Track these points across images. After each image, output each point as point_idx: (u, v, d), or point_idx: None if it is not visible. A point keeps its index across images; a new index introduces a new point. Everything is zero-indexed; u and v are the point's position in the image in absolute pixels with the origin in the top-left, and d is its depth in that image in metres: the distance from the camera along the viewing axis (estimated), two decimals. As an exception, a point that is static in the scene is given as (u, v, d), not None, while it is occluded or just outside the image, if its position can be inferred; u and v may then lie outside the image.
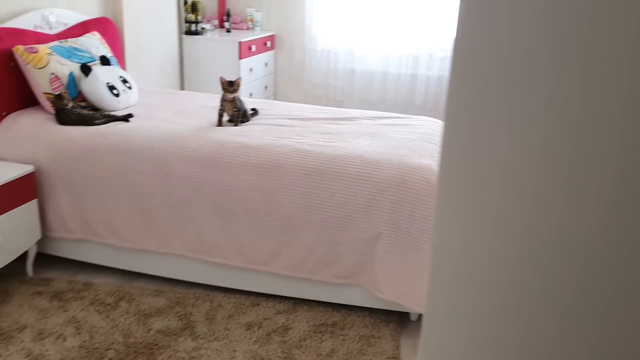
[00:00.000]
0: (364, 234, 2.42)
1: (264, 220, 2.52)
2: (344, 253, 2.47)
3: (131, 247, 2.72)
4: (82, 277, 2.82)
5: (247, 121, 2.98)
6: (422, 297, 2.37)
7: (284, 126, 2.90)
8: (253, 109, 3.14)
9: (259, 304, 2.63)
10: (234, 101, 2.88)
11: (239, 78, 2.93)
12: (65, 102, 2.85)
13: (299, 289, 2.62)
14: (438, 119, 4.06)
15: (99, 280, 2.80)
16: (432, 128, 2.99)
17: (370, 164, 2.45)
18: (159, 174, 2.61)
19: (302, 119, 3.05)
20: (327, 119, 3.10)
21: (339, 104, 4.97)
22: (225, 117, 2.94)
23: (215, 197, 2.55)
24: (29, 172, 2.63)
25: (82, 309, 2.53)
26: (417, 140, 2.74)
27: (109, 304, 2.58)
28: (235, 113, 2.90)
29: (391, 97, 4.84)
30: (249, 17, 5.06)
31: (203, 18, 4.75)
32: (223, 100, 2.89)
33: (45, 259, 2.89)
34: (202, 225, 2.60)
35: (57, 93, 2.87)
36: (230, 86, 2.86)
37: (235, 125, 2.90)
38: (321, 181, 2.45)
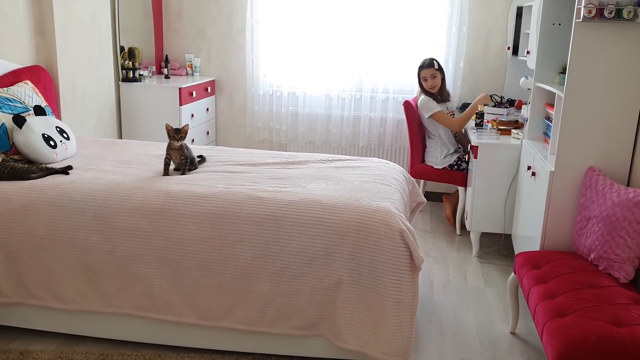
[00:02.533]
0: (324, 281, 2.35)
1: (217, 272, 2.40)
2: (304, 303, 2.38)
3: (73, 308, 2.53)
4: (18, 345, 2.59)
5: (195, 169, 2.88)
6: (386, 344, 2.30)
7: (234, 172, 2.82)
8: (200, 156, 3.04)
9: (215, 362, 2.49)
10: (181, 149, 2.78)
11: (186, 125, 2.84)
12: (-7, 157, 2.67)
13: (258, 344, 2.50)
14: (384, 159, 4.09)
15: (37, 347, 2.58)
16: (383, 169, 2.98)
17: (327, 208, 2.39)
18: (102, 228, 2.45)
19: (252, 165, 2.98)
20: (277, 163, 3.04)
21: (283, 147, 4.93)
22: (172, 166, 2.83)
23: (164, 251, 2.42)
24: (-43, 233, 2.42)
25: (20, 382, 2.31)
26: (372, 182, 2.71)
27: (50, 374, 2.37)
28: (183, 161, 2.80)
29: (335, 138, 4.85)
30: (187, 63, 4.99)
31: (140, 64, 4.64)
32: (169, 148, 2.78)
33: (-25, 328, 2.65)
34: (150, 280, 2.45)
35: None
36: (176, 134, 2.77)
37: (183, 173, 2.79)
38: (277, 229, 2.37)
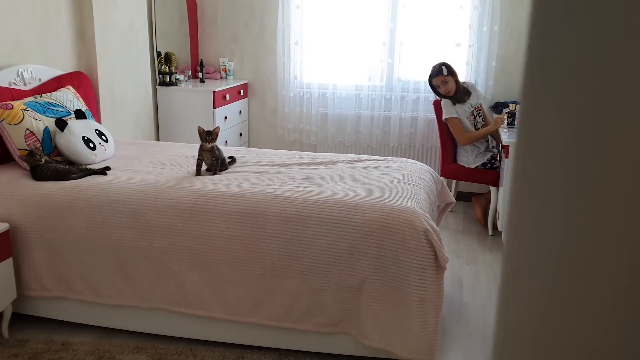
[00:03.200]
0: (349, 280, 2.41)
1: (245, 269, 2.49)
2: (329, 301, 2.44)
3: (110, 303, 2.66)
4: (59, 337, 2.73)
5: (226, 169, 2.98)
6: (411, 343, 2.34)
7: (262, 173, 2.90)
8: (230, 157, 3.14)
9: (243, 357, 2.57)
10: (212, 150, 2.88)
11: (217, 127, 2.94)
12: (38, 157, 2.81)
13: (285, 340, 2.57)
14: (414, 159, 4.12)
15: (77, 339, 2.71)
16: (410, 169, 3.02)
17: (351, 208, 2.45)
18: (137, 226, 2.57)
19: (280, 165, 3.06)
20: (304, 163, 3.11)
21: (313, 148, 5.01)
22: (204, 167, 2.94)
23: (195, 248, 2.52)
24: (4, 230, 2.57)
25: (61, 371, 2.45)
26: (397, 182, 2.76)
27: (89, 364, 2.50)
28: (214, 162, 2.90)
29: (365, 139, 4.90)
30: (222, 67, 5.11)
31: (176, 69, 4.78)
32: (201, 149, 2.89)
33: (21, 319, 2.80)
34: (182, 277, 2.56)
35: (28, 150, 2.84)
36: (208, 136, 2.87)
37: (214, 174, 2.89)
38: (302, 228, 2.44)
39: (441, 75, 4.07)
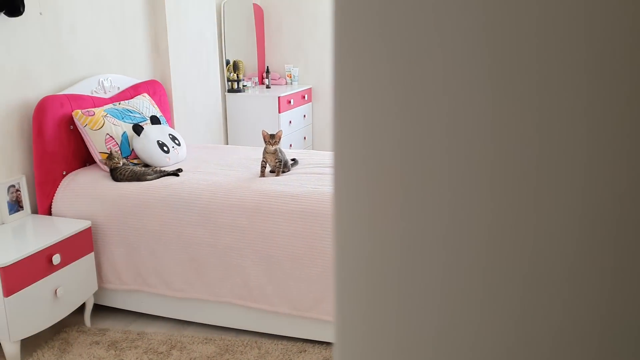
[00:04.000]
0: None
1: (306, 266, 2.60)
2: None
3: (181, 296, 2.83)
4: (135, 327, 2.93)
5: (288, 171, 3.11)
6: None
7: (323, 174, 3.01)
8: (293, 159, 3.26)
9: (305, 350, 2.68)
10: (275, 153, 3.02)
11: (280, 131, 3.08)
12: (116, 160, 3.04)
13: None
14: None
15: (151, 329, 2.90)
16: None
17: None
18: (206, 224, 2.73)
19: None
20: (365, 166, 3.18)
21: (377, 151, 5.06)
22: (268, 168, 3.07)
23: (259, 245, 2.65)
24: (87, 227, 2.80)
25: (137, 358, 2.64)
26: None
27: (162, 353, 2.68)
28: (277, 164, 3.03)
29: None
30: (287, 73, 5.28)
31: (244, 76, 4.98)
32: (265, 152, 3.03)
33: (101, 310, 3.03)
34: (248, 272, 2.70)
35: (108, 153, 3.07)
36: (271, 139, 3.01)
37: (277, 175, 3.03)
38: (362, 226, 2.51)
39: None
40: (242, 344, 2.73)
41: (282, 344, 2.73)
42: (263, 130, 3.06)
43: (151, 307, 2.95)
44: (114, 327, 2.92)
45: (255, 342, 2.74)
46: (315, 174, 3.03)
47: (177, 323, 2.94)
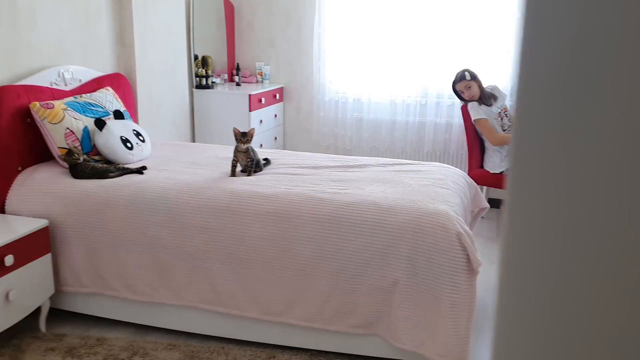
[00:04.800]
0: (381, 282, 2.39)
1: (278, 269, 2.50)
2: (361, 302, 2.43)
3: (145, 300, 2.70)
4: (95, 332, 2.78)
5: (260, 171, 3.00)
6: (443, 347, 2.31)
7: (296, 175, 2.91)
8: (265, 159, 3.16)
9: (274, 357, 2.57)
10: (247, 152, 2.91)
11: (252, 129, 2.97)
12: (76, 157, 2.88)
13: (316, 341, 2.57)
14: (448, 164, 4.08)
15: (112, 334, 2.76)
16: (444, 174, 2.99)
17: (385, 210, 2.44)
18: (172, 225, 2.60)
19: (314, 167, 3.07)
20: (338, 166, 3.11)
21: (347, 152, 5.00)
22: (239, 168, 2.96)
23: (229, 247, 2.54)
24: (43, 226, 2.64)
25: (95, 365, 2.49)
26: (430, 186, 2.73)
27: (123, 359, 2.54)
28: (249, 163, 2.92)
29: (399, 145, 4.87)
30: (258, 71, 5.16)
31: (213, 72, 4.85)
32: (236, 151, 2.91)
33: (58, 314, 2.86)
34: (216, 275, 2.58)
35: (67, 149, 2.91)
36: (243, 137, 2.89)
37: (249, 175, 2.92)
38: (336, 229, 2.43)
39: (464, 80, 4.07)
40: (208, 351, 2.61)
41: (250, 350, 2.62)
42: (235, 128, 2.95)
43: (112, 312, 2.80)
44: (72, 333, 2.76)
45: (222, 349, 2.63)
46: (288, 174, 2.93)
47: (139, 328, 2.80)
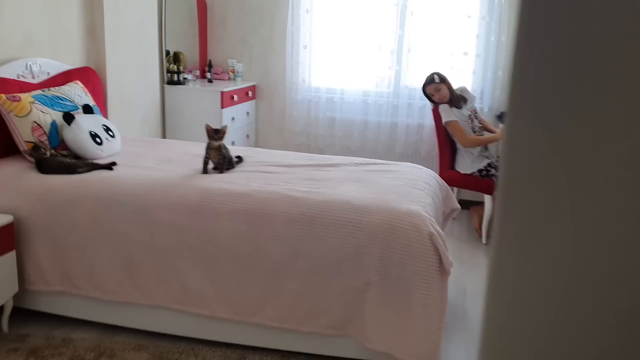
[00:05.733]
0: (353, 282, 2.39)
1: (250, 269, 2.47)
2: (333, 302, 2.42)
3: (112, 299, 2.64)
4: (60, 332, 2.71)
5: (233, 168, 2.97)
6: (414, 347, 2.32)
7: (269, 173, 2.89)
8: (238, 157, 3.13)
9: (245, 358, 2.55)
10: (219, 149, 2.87)
11: (225, 126, 2.93)
12: (43, 151, 2.80)
13: (287, 342, 2.55)
14: (420, 165, 4.11)
15: (78, 335, 2.69)
16: (416, 174, 3.01)
17: (358, 210, 2.43)
18: (142, 222, 2.55)
19: (287, 166, 3.05)
20: (311, 165, 3.10)
21: (320, 151, 4.99)
22: (211, 165, 2.92)
23: (200, 246, 2.50)
24: (8, 222, 2.55)
25: (61, 366, 2.43)
26: (403, 186, 2.74)
27: (89, 360, 2.48)
28: (221, 160, 2.89)
29: (371, 145, 4.89)
30: (230, 68, 5.11)
31: (185, 69, 4.78)
32: (209, 147, 2.88)
33: (22, 314, 2.78)
34: (186, 275, 2.54)
35: (33, 144, 2.83)
36: (215, 134, 2.86)
37: (221, 172, 2.88)
38: (308, 228, 2.42)
39: (433, 83, 4.12)
40: (178, 351, 2.57)
41: (220, 350, 2.59)
42: (207, 124, 2.91)
43: (78, 311, 2.74)
44: (36, 333, 2.68)
45: (192, 349, 2.59)
46: (261, 172, 2.90)
47: (106, 328, 2.74)
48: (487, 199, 4.03)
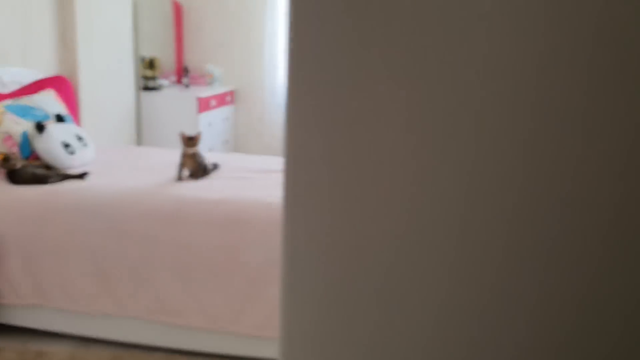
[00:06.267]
0: (331, 287, 2.36)
1: (227, 277, 2.44)
2: (311, 308, 2.39)
3: (87, 311, 2.59)
4: (33, 346, 2.65)
5: (208, 175, 2.93)
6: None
7: (246, 179, 2.86)
8: (214, 164, 3.09)
9: (223, 366, 2.52)
10: (194, 156, 2.84)
11: (199, 133, 2.90)
12: (13, 162, 2.75)
13: (266, 349, 2.52)
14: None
15: (52, 348, 2.64)
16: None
17: (335, 215, 2.41)
18: (116, 232, 2.51)
19: (265, 171, 3.03)
20: (289, 171, 3.07)
21: (300, 156, 4.97)
22: (186, 172, 2.89)
23: (175, 255, 2.47)
24: (-23, 235, 2.50)
25: (34, 381, 2.38)
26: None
27: (63, 374, 2.43)
28: (196, 168, 2.85)
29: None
30: (208, 73, 5.07)
31: (161, 74, 4.74)
32: (183, 155, 2.84)
33: (-6, 328, 2.72)
34: (161, 285, 2.50)
35: (3, 156, 2.77)
36: (190, 141, 2.82)
37: (196, 179, 2.85)
38: (286, 235, 2.39)
39: None
40: (155, 362, 2.53)
41: (198, 360, 2.55)
42: (181, 132, 2.87)
43: (52, 323, 2.68)
44: (8, 347, 2.62)
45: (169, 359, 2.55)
46: (237, 178, 2.87)
47: (81, 341, 2.69)
48: None
